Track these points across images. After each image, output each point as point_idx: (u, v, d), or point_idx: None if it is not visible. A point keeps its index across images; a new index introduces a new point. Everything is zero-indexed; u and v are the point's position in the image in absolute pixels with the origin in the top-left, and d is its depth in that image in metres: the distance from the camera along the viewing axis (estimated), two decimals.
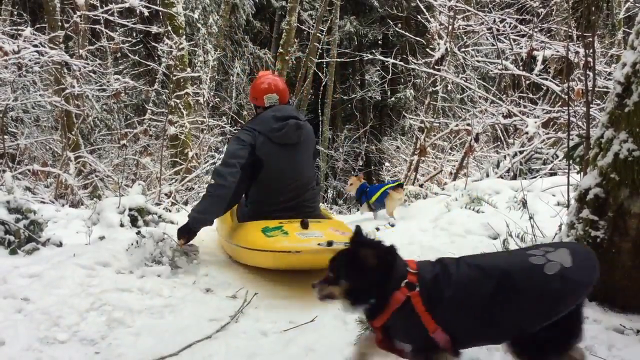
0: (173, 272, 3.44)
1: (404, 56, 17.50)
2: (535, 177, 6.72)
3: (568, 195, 3.39)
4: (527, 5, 8.09)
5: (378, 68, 24.79)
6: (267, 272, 3.69)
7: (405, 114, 21.32)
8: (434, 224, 5.01)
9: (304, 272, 3.59)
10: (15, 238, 3.73)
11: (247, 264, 3.63)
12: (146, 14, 7.64)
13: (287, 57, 14.88)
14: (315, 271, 2.64)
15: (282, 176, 3.85)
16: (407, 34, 11.07)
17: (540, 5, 7.85)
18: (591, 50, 3.47)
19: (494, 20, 7.55)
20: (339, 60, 20.26)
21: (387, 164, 14.18)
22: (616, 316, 2.41)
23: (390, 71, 14.74)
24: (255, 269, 3.75)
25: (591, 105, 7.15)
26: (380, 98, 24.41)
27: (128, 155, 9.43)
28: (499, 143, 9.06)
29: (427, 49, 9.90)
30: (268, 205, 3.85)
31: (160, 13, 9.51)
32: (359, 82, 25.07)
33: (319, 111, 20.29)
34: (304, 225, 3.53)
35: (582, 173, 3.31)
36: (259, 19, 22.40)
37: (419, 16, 9.26)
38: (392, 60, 9.10)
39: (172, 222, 5.30)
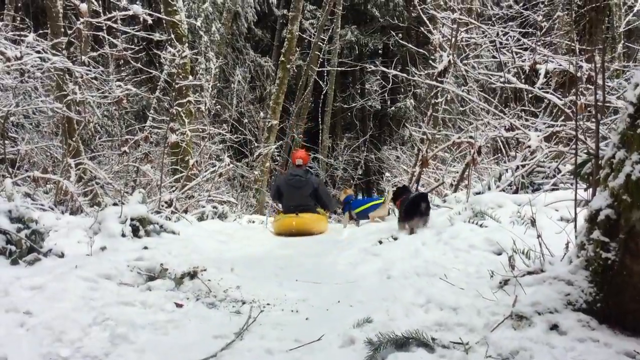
0: (176, 286, 3.40)
1: (405, 67, 17.58)
2: (537, 191, 6.69)
3: (575, 213, 3.36)
4: (530, 19, 8.10)
5: (378, 77, 24.84)
6: (272, 287, 3.66)
7: (406, 124, 21.41)
8: (437, 237, 4.97)
9: (309, 291, 3.57)
10: (17, 248, 3.69)
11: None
12: (149, 21, 7.62)
13: (288, 66, 14.91)
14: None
15: (290, 200, 7.51)
16: (407, 44, 11.03)
17: (544, 19, 7.85)
18: (599, 67, 3.45)
19: (497, 34, 7.55)
20: (339, 69, 20.30)
21: (387, 174, 14.14)
22: (627, 340, 2.38)
23: (391, 81, 14.73)
24: (258, 283, 3.73)
25: (592, 120, 7.17)
26: (380, 107, 24.45)
27: (128, 162, 9.40)
28: (499, 155, 9.05)
29: (430, 61, 9.92)
30: (285, 209, 7.57)
31: (163, 21, 9.50)
32: (359, 91, 25.11)
33: (319, 119, 20.28)
34: (297, 214, 6.99)
35: (591, 191, 3.27)
36: (260, 26, 22.45)
37: (421, 27, 9.28)
38: (393, 72, 9.05)
39: (173, 233, 5.28)
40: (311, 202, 7.17)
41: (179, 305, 3.14)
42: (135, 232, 4.85)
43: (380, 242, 5.05)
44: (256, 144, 14.52)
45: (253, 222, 10.59)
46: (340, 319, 2.86)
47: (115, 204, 8.41)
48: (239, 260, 4.56)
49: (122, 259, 3.75)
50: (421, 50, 11.15)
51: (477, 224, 5.15)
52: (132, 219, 4.90)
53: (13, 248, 3.68)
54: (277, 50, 22.15)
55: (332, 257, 4.78)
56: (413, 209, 5.72)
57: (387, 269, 3.98)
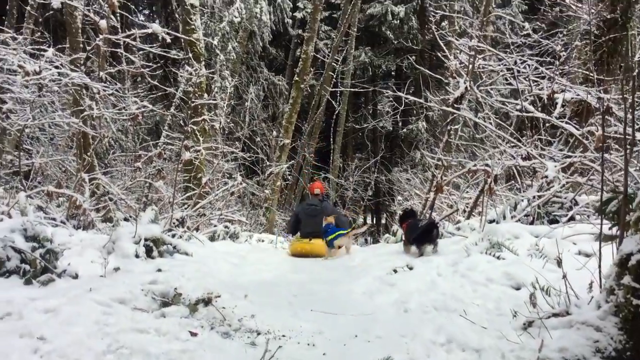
0: (190, 313, 3.34)
1: (418, 89, 17.58)
2: (553, 222, 6.60)
3: (600, 253, 3.28)
4: (548, 48, 8.06)
5: (390, 99, 24.88)
6: (287, 316, 3.60)
7: (418, 147, 21.38)
8: (453, 268, 4.90)
9: (325, 322, 3.50)
10: (31, 267, 3.66)
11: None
12: (168, 40, 7.66)
13: (302, 86, 14.96)
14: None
15: (307, 226, 7.82)
16: (421, 67, 11.03)
17: (562, 49, 7.82)
18: (630, 102, 3.39)
19: (515, 62, 7.52)
20: (352, 89, 20.35)
21: (399, 197, 14.05)
22: None
23: (403, 102, 14.69)
24: (273, 311, 3.67)
25: (610, 152, 7.10)
26: (392, 129, 24.43)
27: (141, 177, 9.40)
28: (512, 182, 8.97)
29: (444, 85, 9.90)
30: (302, 235, 7.81)
31: (181, 39, 9.55)
32: (371, 112, 25.15)
33: (331, 139, 20.30)
34: (310, 240, 7.48)
35: (617, 230, 3.20)
36: (275, 45, 22.62)
37: (435, 51, 9.29)
38: (405, 96, 8.98)
39: (186, 254, 5.24)
40: (324, 229, 7.58)
41: (193, 334, 3.08)
42: (148, 252, 4.81)
43: (395, 271, 4.97)
44: (268, 163, 14.51)
45: (262, 240, 10.55)
46: (358, 356, 2.79)
47: (126, 219, 8.45)
48: (252, 286, 4.50)
49: (136, 282, 3.70)
50: (435, 75, 11.15)
51: (494, 255, 5.07)
52: (146, 239, 4.86)
53: (27, 267, 3.65)
54: (290, 69, 22.29)
55: (347, 285, 4.70)
56: (423, 235, 6.02)
57: (404, 301, 3.91)
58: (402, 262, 5.23)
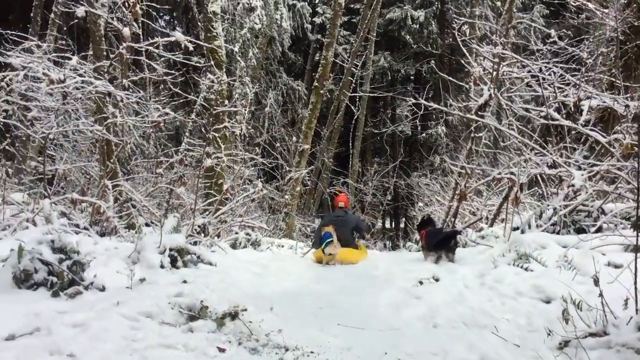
0: (218, 327, 3.32)
1: (437, 94, 17.46)
2: (580, 231, 6.49)
3: (636, 269, 3.18)
4: (575, 55, 7.94)
5: (409, 103, 24.73)
6: (314, 331, 3.56)
7: (438, 152, 21.24)
8: (480, 280, 4.82)
9: (352, 338, 3.45)
10: (59, 279, 3.67)
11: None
12: (191, 48, 7.68)
13: (322, 91, 14.92)
14: None
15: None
16: (441, 73, 10.93)
17: (589, 56, 7.69)
18: None
19: (540, 69, 7.41)
20: (372, 94, 20.28)
21: (420, 203, 13.94)
22: None
23: (422, 107, 14.61)
24: (299, 325, 3.63)
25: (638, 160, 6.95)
26: (410, 133, 24.29)
27: (162, 183, 9.44)
28: (536, 188, 8.84)
29: (464, 90, 9.79)
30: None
31: (204, 47, 9.58)
32: (390, 116, 25.05)
33: (350, 144, 20.23)
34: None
35: None
36: (294, 50, 22.65)
37: (454, 56, 9.20)
38: (427, 103, 8.91)
39: (210, 264, 5.23)
40: (351, 237, 7.82)
41: (221, 350, 3.06)
42: (173, 262, 4.81)
43: (421, 283, 4.90)
44: (287, 168, 14.51)
45: (282, 246, 10.54)
46: None
47: (147, 224, 8.48)
48: (276, 297, 4.47)
49: (162, 294, 3.69)
50: (455, 81, 11.05)
51: (522, 267, 4.99)
52: (170, 249, 4.86)
53: (54, 279, 3.66)
54: (309, 74, 22.30)
55: (372, 296, 4.64)
56: (443, 243, 6.31)
57: (432, 315, 3.85)
58: (428, 273, 5.15)
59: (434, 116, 22.23)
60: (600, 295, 2.99)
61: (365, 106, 20.64)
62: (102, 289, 3.77)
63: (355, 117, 20.17)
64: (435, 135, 22.29)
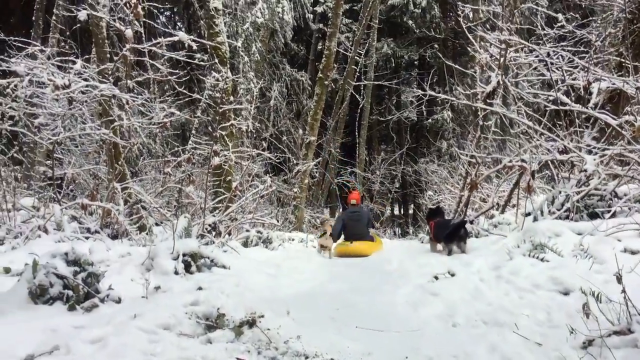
0: (236, 337, 3.30)
1: (443, 79, 17.30)
2: (593, 216, 6.43)
3: None
4: (583, 37, 7.82)
5: (414, 89, 24.59)
6: (332, 335, 3.54)
7: (445, 138, 21.12)
8: (496, 273, 4.78)
9: (372, 341, 3.43)
10: (74, 293, 3.66)
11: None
12: (194, 47, 7.63)
13: (326, 82, 14.84)
14: None
15: (351, 230, 8.73)
16: (445, 58, 10.82)
17: (597, 39, 7.57)
18: None
19: (548, 54, 7.30)
20: (376, 82, 20.15)
21: (429, 192, 13.87)
22: None
23: (428, 93, 14.53)
24: (317, 330, 3.62)
25: None
26: (416, 119, 24.15)
27: (171, 183, 9.43)
28: (546, 172, 8.77)
29: (472, 75, 9.69)
30: (346, 237, 8.79)
31: (206, 44, 9.52)
32: (394, 103, 24.91)
33: (356, 133, 20.17)
34: (351, 242, 8.48)
35: None
36: (296, 41, 22.51)
37: (460, 40, 9.10)
38: (431, 93, 8.81)
39: (224, 267, 5.21)
40: (366, 231, 8.75)
41: None
42: (187, 268, 4.81)
43: (437, 278, 4.87)
44: (295, 161, 14.48)
45: (293, 239, 10.54)
46: None
47: (157, 224, 8.48)
48: (291, 299, 4.46)
49: (178, 303, 3.67)
50: (459, 68, 10.94)
51: (537, 257, 4.93)
52: (184, 255, 4.85)
53: (70, 293, 3.66)
54: (312, 64, 22.19)
55: (388, 295, 4.62)
56: (452, 234, 6.37)
57: (450, 314, 3.82)
58: (442, 268, 5.12)
59: (440, 101, 22.06)
60: (623, 291, 2.93)
61: (370, 94, 20.55)
62: (118, 301, 3.76)
63: (361, 105, 20.08)
64: (442, 120, 22.16)
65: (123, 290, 4.01)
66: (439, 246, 6.88)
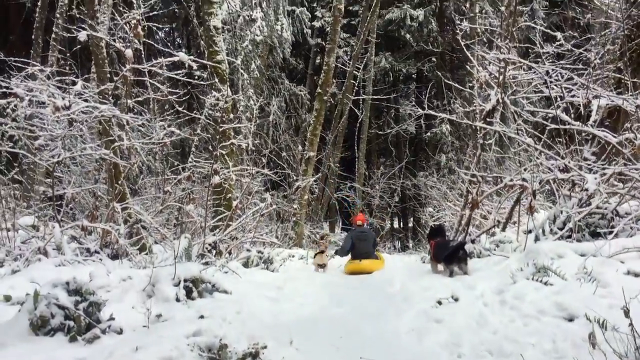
0: None
1: (441, 92, 17.34)
2: (595, 235, 6.42)
3: None
4: (582, 56, 7.86)
5: (412, 102, 24.64)
6: None
7: (443, 151, 21.14)
8: (500, 297, 4.75)
9: None
10: (75, 323, 3.63)
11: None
12: (194, 67, 7.64)
13: (325, 98, 14.87)
14: None
15: (359, 249, 9.14)
16: (443, 72, 10.86)
17: (596, 57, 7.60)
18: None
19: (547, 72, 7.33)
20: (374, 97, 20.23)
21: (430, 208, 13.85)
22: None
23: (426, 106, 14.57)
24: None
25: None
26: (415, 132, 24.18)
27: (171, 201, 9.41)
28: (547, 186, 8.76)
29: (472, 91, 9.72)
30: (354, 256, 9.16)
31: (205, 59, 9.54)
32: (393, 116, 24.95)
33: (355, 147, 20.18)
34: (360, 261, 8.95)
35: None
36: (295, 55, 22.58)
37: (457, 54, 9.14)
38: (430, 112, 8.88)
39: (225, 292, 5.18)
40: (371, 250, 9.35)
41: None
42: (188, 294, 4.76)
43: (440, 303, 4.84)
44: (295, 178, 14.47)
45: (293, 256, 10.50)
46: None
47: (156, 242, 8.44)
48: (295, 325, 4.42)
49: (180, 334, 3.64)
50: (455, 85, 11.01)
51: (541, 281, 4.91)
52: (185, 280, 4.81)
53: (71, 324, 3.63)
54: (311, 78, 22.26)
55: (391, 321, 4.58)
56: (452, 256, 6.37)
57: (456, 342, 3.78)
58: (446, 291, 5.08)
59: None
60: (631, 324, 2.91)
61: (369, 108, 20.61)
62: (120, 332, 3.73)
63: (360, 119, 20.12)
64: (440, 134, 22.18)
65: (124, 319, 3.98)
66: (440, 267, 6.86)
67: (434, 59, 23.26)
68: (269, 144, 14.29)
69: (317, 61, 22.44)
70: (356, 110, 19.94)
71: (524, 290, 4.73)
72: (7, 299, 4.43)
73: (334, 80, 16.39)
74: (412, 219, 25.35)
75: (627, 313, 2.78)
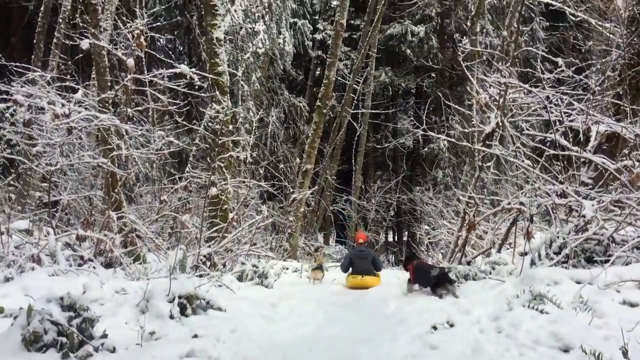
0: None
1: (440, 108, 17.42)
2: (591, 261, 6.42)
3: None
4: (582, 82, 7.91)
5: (411, 117, 24.73)
6: None
7: (440, 167, 21.20)
8: (496, 324, 4.74)
9: None
10: (68, 340, 3.60)
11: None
12: (195, 79, 7.64)
13: (324, 111, 14.89)
14: None
15: (359, 267, 9.52)
16: (443, 88, 10.90)
17: (596, 83, 7.65)
18: None
19: (548, 98, 7.36)
20: (374, 111, 20.30)
21: (425, 226, 13.86)
22: None
23: (424, 121, 14.61)
24: None
25: None
26: (412, 146, 24.22)
27: (167, 210, 9.37)
28: (543, 207, 8.76)
29: (471, 108, 9.75)
30: (354, 272, 9.53)
31: (207, 70, 9.55)
32: (391, 130, 25.01)
33: (352, 160, 20.20)
34: (362, 277, 9.35)
35: None
36: (295, 66, 22.64)
37: (457, 71, 9.18)
38: (432, 135, 8.90)
39: (219, 309, 5.14)
40: (371, 267, 9.76)
41: None
42: (182, 310, 4.73)
43: (435, 328, 4.82)
44: (291, 190, 14.45)
45: (287, 269, 10.47)
46: None
47: (149, 250, 8.39)
48: (290, 347, 4.40)
49: (173, 354, 3.62)
50: (455, 106, 11.09)
51: (537, 309, 4.90)
52: (179, 297, 4.78)
53: (64, 340, 3.60)
54: (310, 89, 22.30)
55: (386, 345, 4.55)
56: (438, 283, 6.47)
57: None
58: (441, 316, 5.06)
59: (436, 130, 22.15)
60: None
61: (367, 121, 20.67)
62: (113, 350, 3.70)
63: (358, 133, 20.15)
64: (437, 149, 22.24)
65: (117, 335, 3.95)
66: (415, 286, 7.10)
67: (433, 75, 23.37)
68: (266, 155, 14.29)
69: (317, 73, 22.51)
70: (354, 124, 19.98)
71: (520, 317, 4.72)
72: (0, 311, 4.39)
73: (333, 94, 16.42)
74: (406, 233, 25.35)
75: (625, 353, 2.77)
